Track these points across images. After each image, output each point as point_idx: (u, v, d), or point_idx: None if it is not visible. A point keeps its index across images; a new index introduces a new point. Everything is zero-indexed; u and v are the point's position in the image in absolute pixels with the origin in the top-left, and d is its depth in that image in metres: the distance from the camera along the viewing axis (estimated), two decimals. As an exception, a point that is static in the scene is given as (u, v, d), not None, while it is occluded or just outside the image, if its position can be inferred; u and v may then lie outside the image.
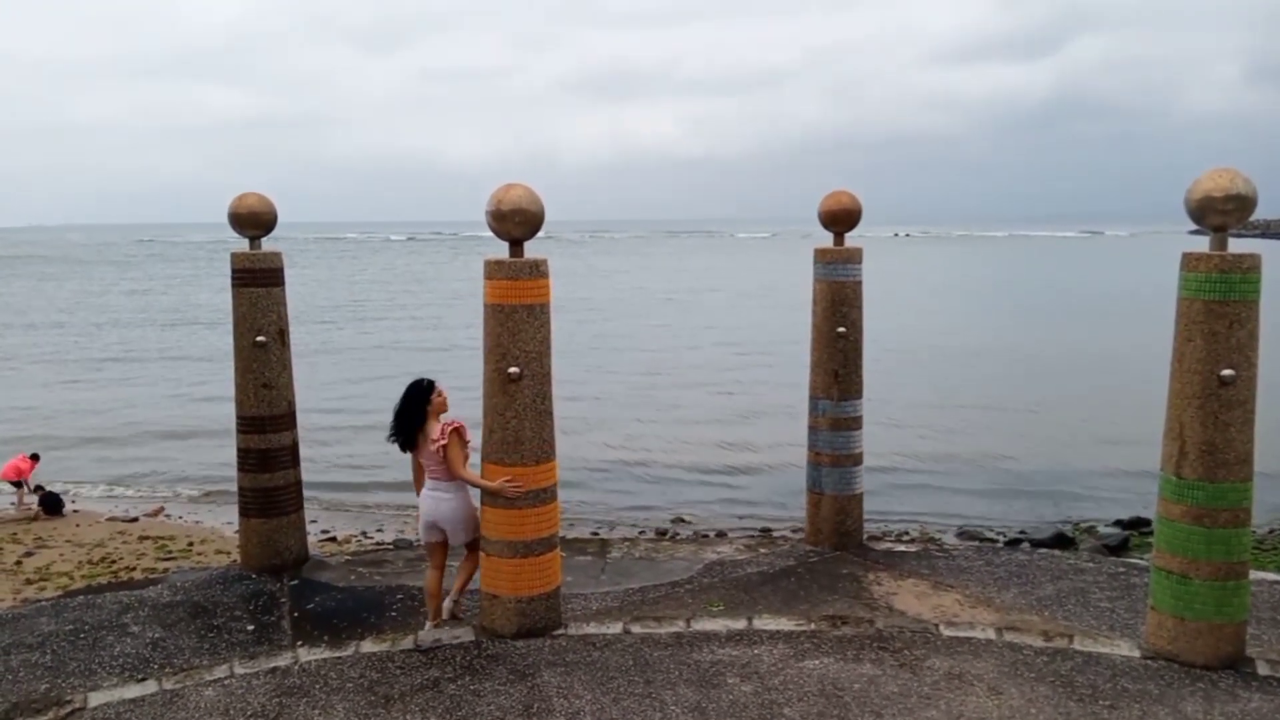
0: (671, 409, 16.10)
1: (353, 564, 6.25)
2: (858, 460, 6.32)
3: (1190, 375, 4.39)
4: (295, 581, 5.80)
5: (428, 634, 4.86)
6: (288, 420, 6.07)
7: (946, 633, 4.85)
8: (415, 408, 4.80)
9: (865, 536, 6.53)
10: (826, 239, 6.35)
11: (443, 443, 4.69)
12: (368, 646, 4.79)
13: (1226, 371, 4.29)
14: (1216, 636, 4.42)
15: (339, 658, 4.66)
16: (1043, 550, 7.32)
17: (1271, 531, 10.44)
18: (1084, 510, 11.60)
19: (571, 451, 11.56)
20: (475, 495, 4.91)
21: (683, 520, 9.93)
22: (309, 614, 5.30)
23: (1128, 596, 5.37)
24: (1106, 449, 13.43)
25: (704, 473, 12.30)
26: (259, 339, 5.88)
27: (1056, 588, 5.57)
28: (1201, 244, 4.61)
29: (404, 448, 4.88)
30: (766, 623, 4.98)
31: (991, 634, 4.84)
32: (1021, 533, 10.75)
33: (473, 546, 4.97)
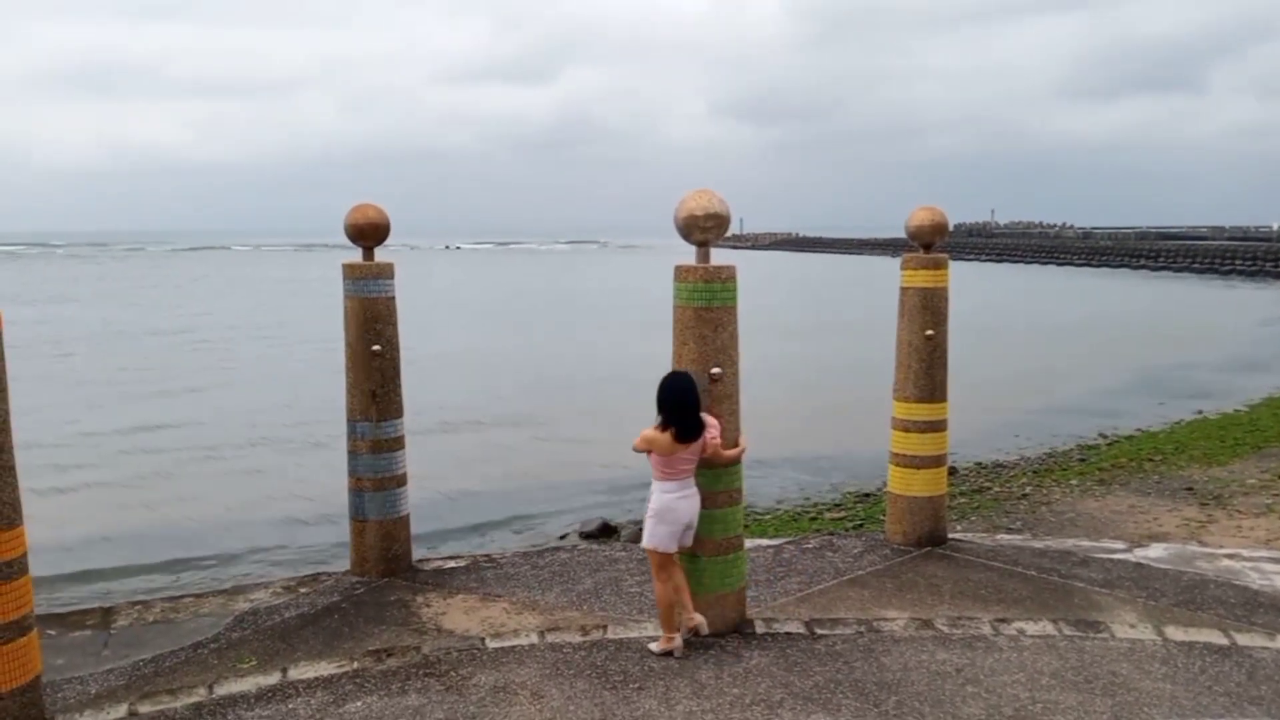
0: (197, 459, 14.57)
1: None
2: (402, 481, 6.14)
3: (688, 375, 4.87)
4: None
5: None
6: None
7: (493, 645, 4.88)
8: (696, 400, 4.60)
9: (415, 559, 6.38)
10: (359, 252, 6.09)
11: (717, 436, 4.65)
12: None
13: (715, 370, 4.84)
14: (723, 605, 4.98)
15: None
16: (583, 545, 7.75)
17: (781, 503, 12.25)
18: (628, 496, 12.62)
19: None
20: None
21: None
22: None
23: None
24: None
25: (244, 523, 11.24)
26: None
27: (595, 580, 5.90)
28: (690, 256, 5.14)
29: (687, 439, 4.54)
30: (304, 670, 4.60)
31: (535, 638, 4.96)
32: (571, 527, 11.36)
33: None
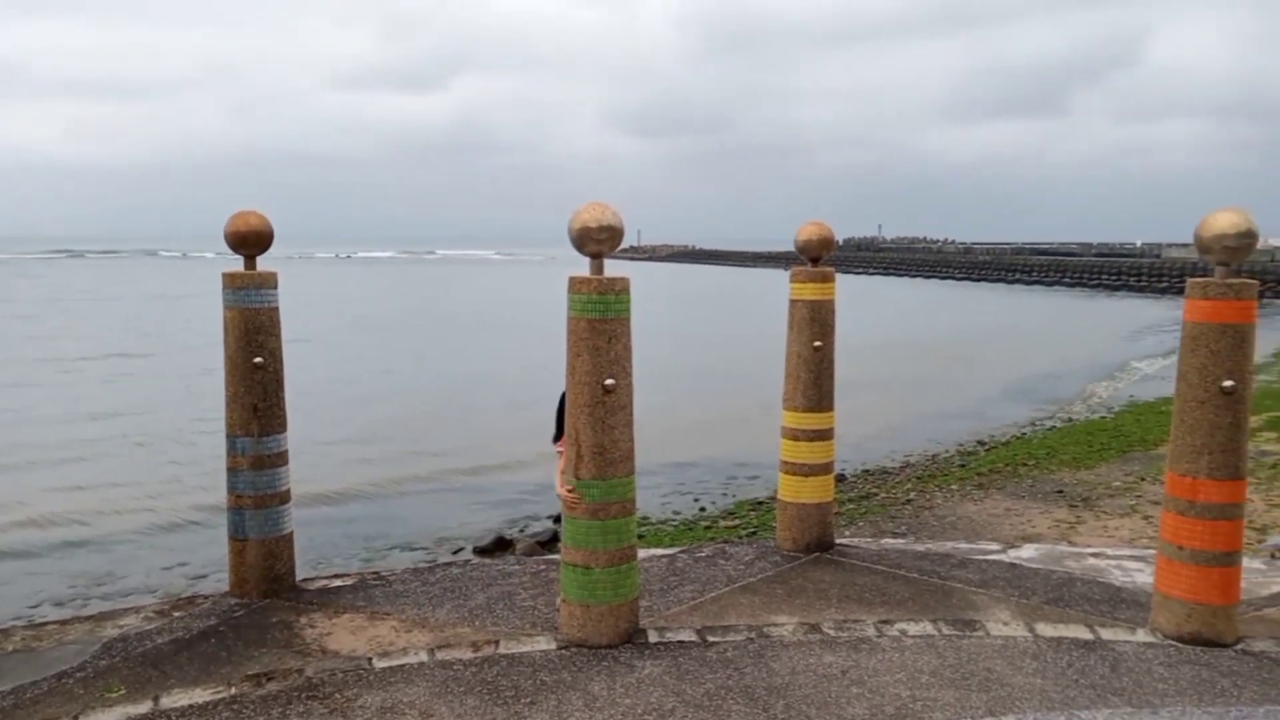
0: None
1: None
2: (285, 498, 5.93)
3: (581, 386, 4.88)
4: None
5: None
6: None
7: (380, 665, 4.76)
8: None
9: (299, 579, 6.16)
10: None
11: None
12: None
13: (609, 381, 4.85)
14: (616, 616, 4.98)
15: None
16: (475, 560, 7.65)
17: (677, 513, 12.33)
18: (523, 509, 12.53)
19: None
20: None
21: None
22: None
23: (548, 592, 5.81)
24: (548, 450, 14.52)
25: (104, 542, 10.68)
26: None
27: (487, 595, 5.82)
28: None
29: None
30: (177, 698, 4.38)
31: (424, 656, 4.86)
32: (466, 541, 11.20)
33: None
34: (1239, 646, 5.04)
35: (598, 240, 4.87)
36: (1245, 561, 5.53)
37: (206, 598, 5.99)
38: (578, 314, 4.87)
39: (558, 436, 5.29)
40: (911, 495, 11.68)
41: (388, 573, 6.52)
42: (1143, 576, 6.12)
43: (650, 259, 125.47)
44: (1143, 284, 65.16)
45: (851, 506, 11.35)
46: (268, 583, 5.84)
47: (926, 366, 26.48)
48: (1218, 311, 4.89)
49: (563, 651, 4.90)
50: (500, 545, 10.79)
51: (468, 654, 4.87)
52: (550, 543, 10.24)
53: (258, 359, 5.76)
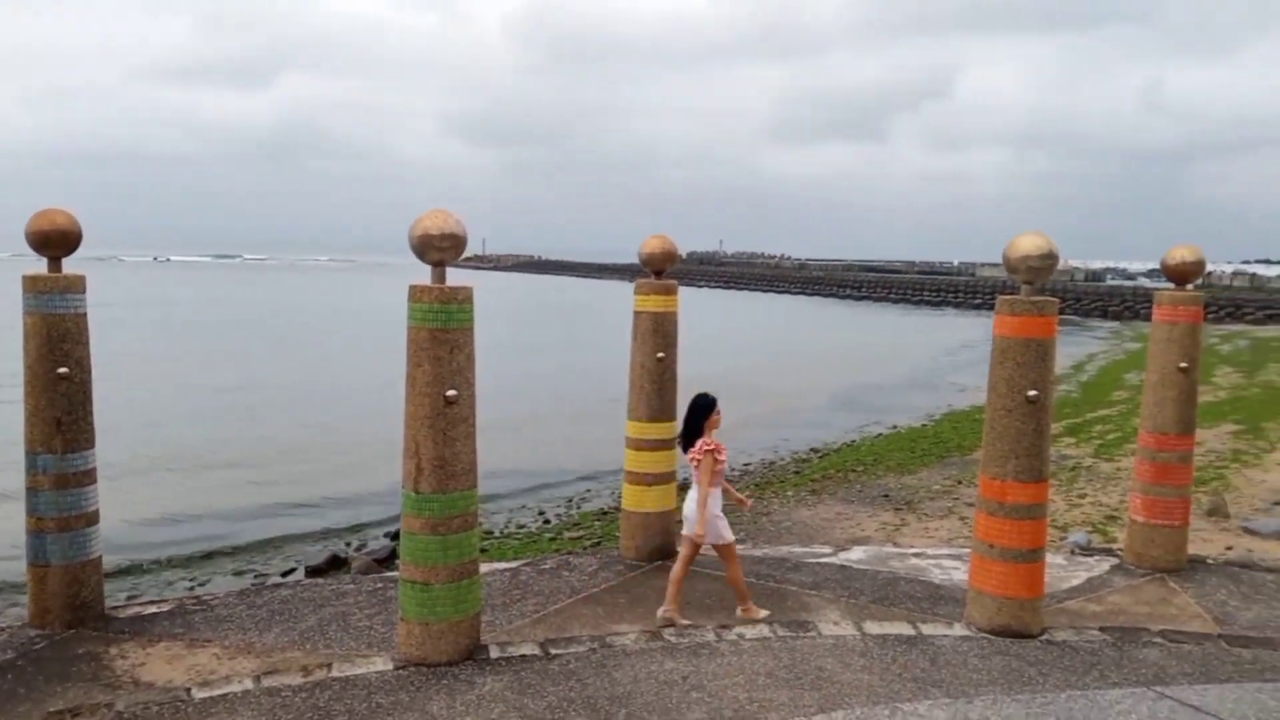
0: None
1: None
2: (93, 520, 5.48)
3: (422, 398, 4.75)
4: None
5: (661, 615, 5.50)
6: None
7: (200, 695, 4.46)
8: (695, 420, 5.52)
9: (109, 606, 5.71)
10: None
11: (699, 458, 5.42)
12: None
13: (451, 392, 4.75)
14: (456, 633, 4.87)
15: None
16: (307, 580, 7.32)
17: (522, 526, 12.19)
18: (360, 527, 12.08)
19: None
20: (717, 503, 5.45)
21: None
22: None
23: (385, 611, 5.63)
24: (381, 465, 14.01)
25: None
26: None
27: (319, 616, 5.57)
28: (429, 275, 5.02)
29: (684, 450, 5.56)
30: (-37, 744, 3.97)
31: (250, 684, 4.59)
32: (298, 562, 10.70)
33: (725, 552, 5.56)
34: (1044, 637, 5.45)
35: (440, 248, 4.78)
36: (1049, 557, 6.00)
37: (2, 630, 5.45)
38: (418, 323, 4.75)
39: (687, 445, 5.54)
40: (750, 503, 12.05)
41: (210, 597, 6.14)
42: (959, 574, 6.53)
43: (495, 268, 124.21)
44: (960, 300, 69.88)
45: (693, 515, 11.57)
46: (72, 611, 5.38)
47: (763, 377, 27.39)
48: (1023, 327, 5.30)
49: (401, 671, 4.75)
50: (335, 564, 10.36)
51: (297, 679, 4.64)
52: (388, 560, 9.92)
53: (62, 369, 5.31)
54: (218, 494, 13.24)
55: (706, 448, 5.46)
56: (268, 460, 15.47)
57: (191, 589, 9.36)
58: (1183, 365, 6.60)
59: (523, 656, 4.97)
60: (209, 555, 10.73)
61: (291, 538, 11.49)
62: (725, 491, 5.70)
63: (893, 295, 77.76)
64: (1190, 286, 6.81)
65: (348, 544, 11.20)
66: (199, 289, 67.53)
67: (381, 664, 4.83)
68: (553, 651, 5.05)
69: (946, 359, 33.69)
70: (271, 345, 32.73)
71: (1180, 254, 6.62)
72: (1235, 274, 77.96)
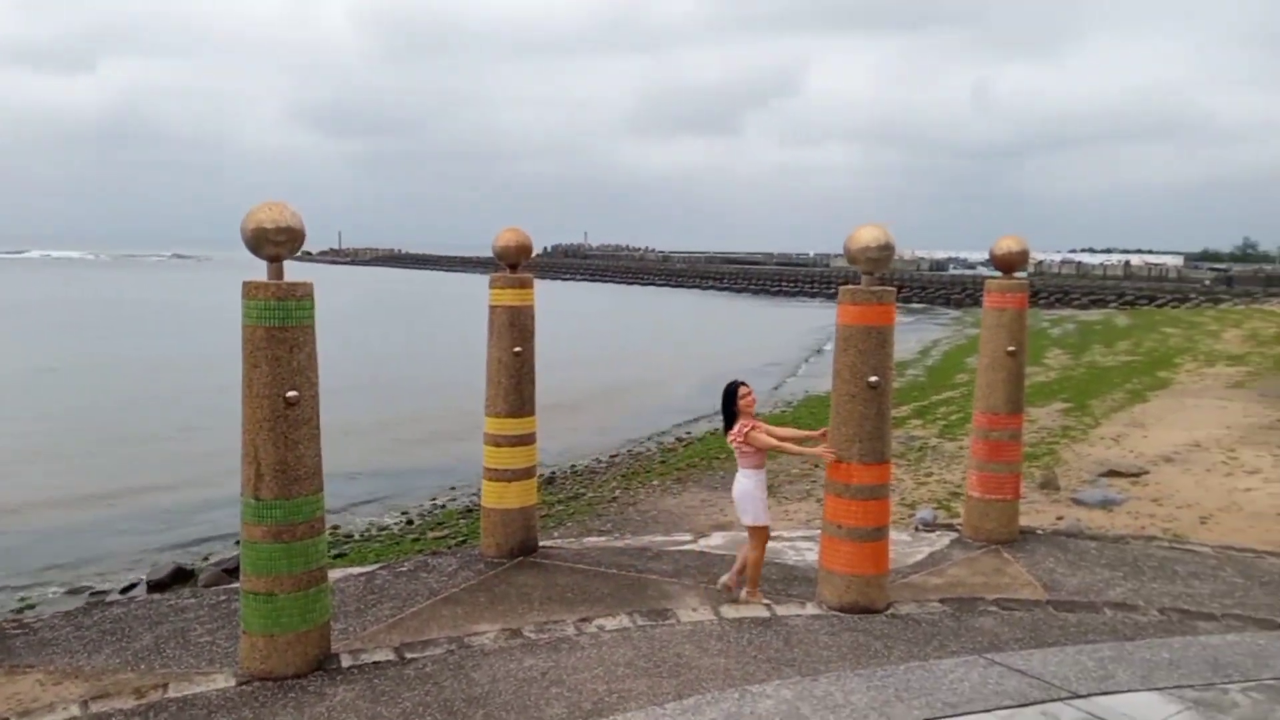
0: None
1: None
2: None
3: (260, 400, 4.53)
4: None
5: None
6: None
7: (17, 728, 4.13)
8: (728, 407, 5.67)
9: (-89, 636, 5.21)
10: None
11: (740, 440, 5.56)
12: None
13: (291, 393, 4.55)
14: (304, 643, 4.67)
15: None
16: (144, 597, 6.90)
17: (384, 528, 11.84)
18: (207, 535, 11.48)
19: None
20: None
21: None
22: None
23: (229, 625, 5.36)
24: (228, 472, 13.40)
25: None
26: None
27: (156, 634, 5.25)
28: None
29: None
30: None
31: (76, 710, 4.28)
32: (140, 576, 10.08)
33: (754, 534, 5.70)
34: (889, 611, 5.70)
35: (275, 242, 4.56)
36: (893, 534, 6.28)
37: None
38: (254, 322, 4.52)
39: (728, 427, 5.66)
40: (617, 493, 12.11)
41: (34, 619, 5.70)
42: (813, 555, 6.75)
43: (354, 262, 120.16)
44: (816, 290, 72.36)
45: (560, 508, 11.55)
46: None
47: (629, 368, 27.61)
48: (864, 315, 5.51)
49: (244, 687, 4.53)
50: (180, 577, 9.80)
51: (130, 702, 4.36)
52: (238, 570, 9.46)
53: None
54: (46, 506, 12.31)
55: (744, 430, 5.57)
56: (104, 467, 14.49)
57: (20, 610, 8.67)
58: (1011, 349, 7.02)
59: (376, 663, 4.83)
60: (41, 572, 9.97)
61: (132, 551, 10.81)
62: (801, 447, 5.93)
63: (753, 286, 79.76)
64: (1018, 274, 7.26)
65: (195, 554, 10.63)
66: (18, 288, 62.56)
67: (223, 681, 4.59)
68: (408, 656, 4.93)
69: (804, 346, 34.84)
70: (97, 343, 30.60)
71: (1006, 244, 7.04)
72: (1063, 262, 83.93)
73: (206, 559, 10.38)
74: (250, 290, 4.54)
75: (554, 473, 14.16)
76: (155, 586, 9.47)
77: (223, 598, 5.93)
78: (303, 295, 4.64)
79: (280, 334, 4.54)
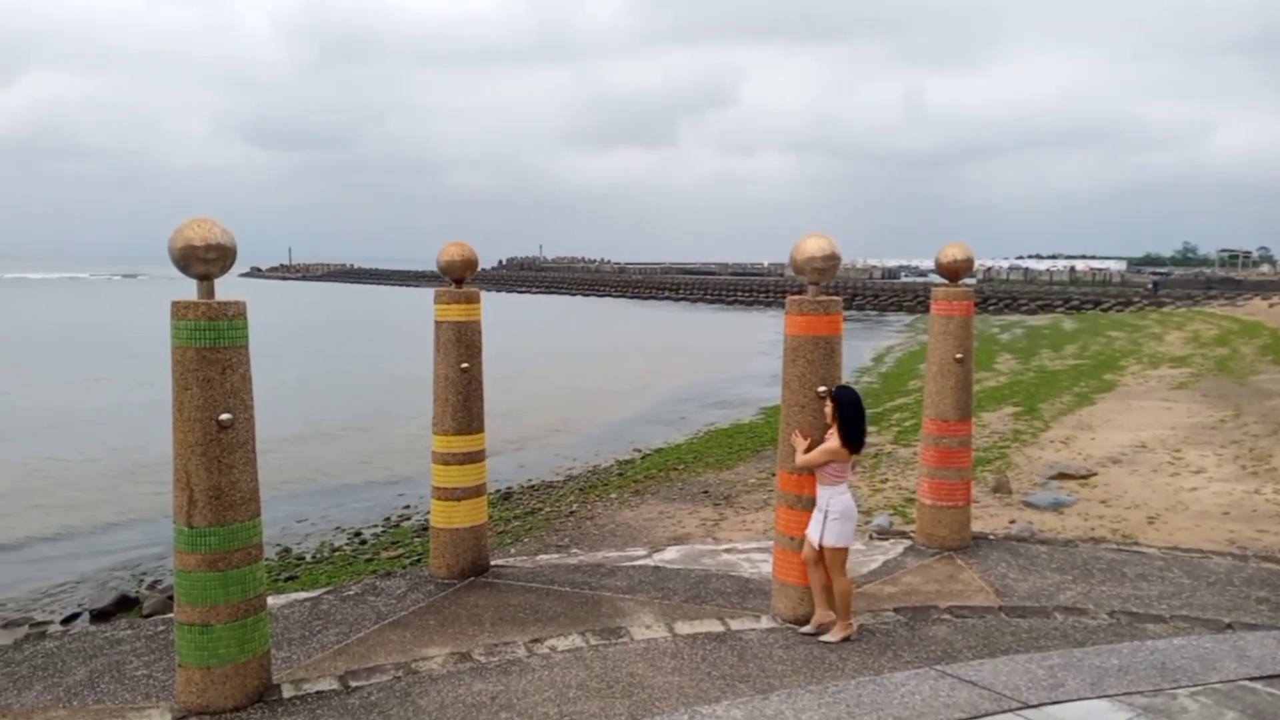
0: None
1: None
2: None
3: (191, 423, 4.38)
4: None
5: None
6: None
7: (-67, 776, 3.92)
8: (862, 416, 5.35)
9: None
10: None
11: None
12: None
13: (225, 416, 4.40)
14: (243, 675, 4.51)
15: None
16: (78, 630, 6.65)
17: (337, 549, 11.57)
18: (154, 561, 11.16)
19: None
20: None
21: None
22: None
23: (166, 657, 5.16)
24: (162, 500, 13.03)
25: None
26: None
27: (90, 668, 5.05)
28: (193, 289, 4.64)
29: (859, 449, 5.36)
30: None
31: (-2, 755, 4.09)
32: (81, 605, 9.75)
33: (841, 558, 5.39)
34: (843, 621, 5.66)
35: (205, 260, 4.42)
36: (846, 544, 6.25)
37: None
38: (184, 343, 4.37)
39: (858, 445, 5.33)
40: (574, 507, 11.99)
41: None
42: (768, 567, 6.70)
43: (304, 278, 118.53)
44: (770, 299, 72.84)
45: (517, 524, 11.40)
46: None
47: (585, 381, 27.49)
48: (811, 325, 5.50)
49: (179, 722, 4.36)
50: (124, 605, 9.48)
51: (55, 743, 4.17)
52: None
53: None
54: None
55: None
56: (42, 491, 14.03)
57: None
58: (958, 356, 7.07)
59: (319, 693, 4.68)
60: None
61: (78, 577, 10.46)
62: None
63: (708, 296, 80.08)
64: (964, 282, 7.31)
65: (139, 581, 10.31)
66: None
67: (159, 716, 4.42)
68: (353, 684, 4.78)
69: (758, 355, 34.99)
70: (24, 363, 29.75)
71: (952, 252, 7.09)
72: (1011, 269, 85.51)
73: (154, 586, 10.07)
74: (180, 310, 4.39)
75: (510, 488, 13.99)
76: (98, 616, 9.15)
77: (161, 628, 5.73)
78: (235, 315, 4.49)
79: (212, 355, 4.39)
